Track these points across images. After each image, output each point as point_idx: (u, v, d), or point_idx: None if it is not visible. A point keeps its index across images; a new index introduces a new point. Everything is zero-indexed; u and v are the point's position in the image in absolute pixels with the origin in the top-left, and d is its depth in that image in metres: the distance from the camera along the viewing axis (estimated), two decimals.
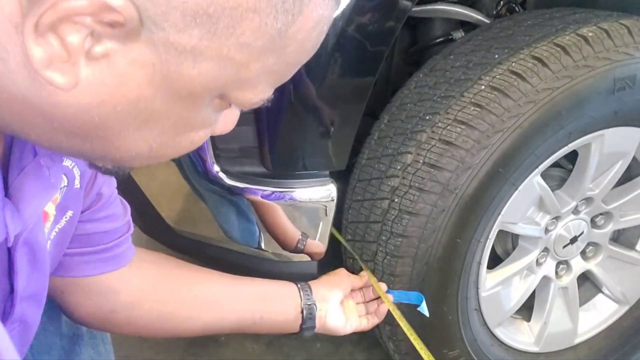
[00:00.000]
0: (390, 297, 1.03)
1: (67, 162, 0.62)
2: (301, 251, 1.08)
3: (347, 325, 0.99)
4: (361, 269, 1.08)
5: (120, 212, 0.78)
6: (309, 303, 0.95)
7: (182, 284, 0.87)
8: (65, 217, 0.65)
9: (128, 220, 0.80)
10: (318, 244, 1.08)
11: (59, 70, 0.37)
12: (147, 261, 0.85)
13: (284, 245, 1.08)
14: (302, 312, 0.94)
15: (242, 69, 0.42)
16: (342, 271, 1.05)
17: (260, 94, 0.45)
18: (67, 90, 0.38)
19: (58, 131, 0.43)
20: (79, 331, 0.84)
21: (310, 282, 0.99)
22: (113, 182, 0.76)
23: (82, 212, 0.70)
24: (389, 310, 1.03)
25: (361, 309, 1.04)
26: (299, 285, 0.97)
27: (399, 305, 1.03)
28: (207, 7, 0.37)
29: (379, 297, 1.04)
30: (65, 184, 0.63)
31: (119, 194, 0.79)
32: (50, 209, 0.62)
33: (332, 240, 1.11)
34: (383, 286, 1.04)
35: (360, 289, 1.06)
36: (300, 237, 1.06)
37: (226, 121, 0.51)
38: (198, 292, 0.88)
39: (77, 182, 0.65)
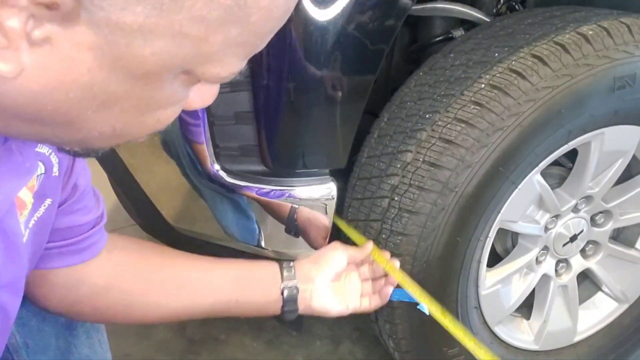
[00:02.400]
0: (397, 262, 0.97)
1: (44, 149, 0.60)
2: (295, 221, 1.04)
3: (342, 305, 0.93)
4: None
5: (92, 204, 0.76)
6: (290, 285, 0.89)
7: (151, 270, 0.84)
8: (44, 205, 0.63)
9: (102, 212, 0.77)
10: (317, 243, 1.07)
11: (0, 58, 0.35)
12: (117, 248, 0.82)
13: (280, 245, 1.07)
14: (282, 293, 0.89)
15: (202, 43, 0.39)
16: (336, 244, 0.97)
17: (229, 68, 0.42)
18: (12, 79, 0.37)
19: (14, 119, 0.41)
20: (75, 331, 0.84)
21: (297, 261, 0.93)
22: (88, 174, 0.74)
23: (61, 204, 0.69)
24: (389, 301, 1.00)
25: (367, 287, 0.98)
26: (282, 265, 0.91)
27: (399, 305, 1.03)
28: None
29: (386, 275, 0.98)
30: (43, 172, 0.61)
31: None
32: (27, 196, 0.60)
33: (332, 238, 1.11)
34: (388, 256, 0.97)
35: (370, 264, 0.99)
36: (292, 206, 1.03)
37: (203, 95, 0.48)
38: (168, 278, 0.84)
39: (55, 169, 0.63)
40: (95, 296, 0.79)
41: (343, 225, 1.09)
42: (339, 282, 0.95)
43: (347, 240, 1.11)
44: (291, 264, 0.92)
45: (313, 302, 0.92)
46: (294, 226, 1.06)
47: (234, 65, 0.42)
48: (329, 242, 1.09)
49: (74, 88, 0.39)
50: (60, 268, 0.74)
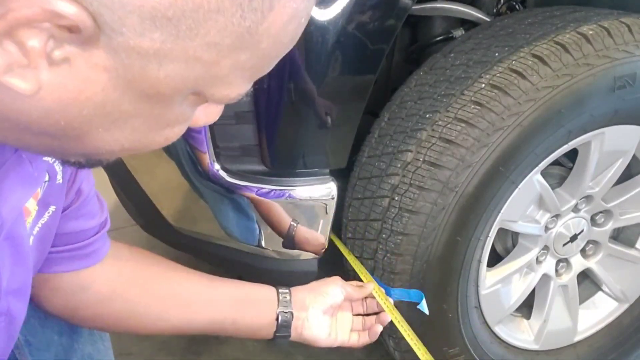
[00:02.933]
0: (391, 300, 0.99)
1: (47, 158, 0.61)
2: (293, 238, 1.06)
3: (332, 337, 0.94)
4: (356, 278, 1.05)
5: (96, 209, 0.77)
6: (285, 311, 0.90)
7: (155, 282, 0.85)
8: (48, 212, 0.64)
9: (105, 218, 0.78)
10: (317, 242, 1.07)
11: (19, 76, 0.37)
12: (122, 258, 0.83)
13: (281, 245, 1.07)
14: (277, 319, 0.90)
15: (213, 67, 0.40)
16: (336, 280, 0.98)
17: (237, 89, 0.44)
18: (29, 96, 0.38)
19: (25, 132, 0.43)
20: (77, 328, 0.84)
21: (294, 288, 0.94)
22: (91, 179, 0.75)
23: (65, 210, 0.70)
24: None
25: (358, 322, 0.99)
26: (278, 290, 0.92)
27: (398, 305, 1.03)
28: (165, 11, 0.36)
29: (378, 313, 0.99)
30: (47, 179, 0.62)
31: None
32: (32, 204, 0.61)
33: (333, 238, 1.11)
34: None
35: (365, 299, 1.00)
36: (292, 222, 1.04)
37: (208, 113, 0.49)
38: (170, 292, 0.86)
39: (59, 177, 0.64)
40: (99, 303, 0.80)
41: (348, 255, 1.09)
42: (331, 314, 0.96)
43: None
44: (287, 290, 0.93)
45: (304, 330, 0.92)
46: (291, 243, 1.07)
47: (241, 87, 0.44)
48: (330, 240, 1.10)
49: (88, 106, 0.40)
50: (64, 273, 0.75)
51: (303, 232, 1.05)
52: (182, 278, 0.88)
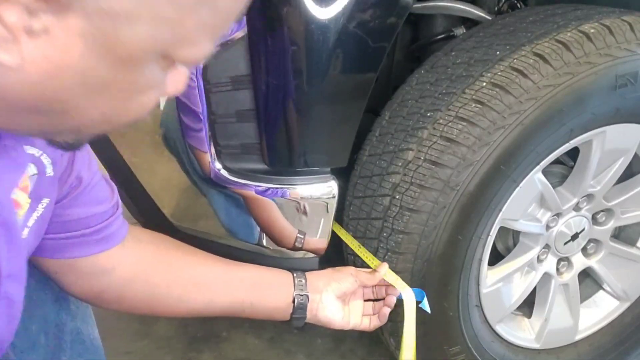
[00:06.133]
0: (397, 291, 1.01)
1: (33, 151, 0.64)
2: (300, 249, 1.08)
3: (345, 320, 0.99)
4: (364, 265, 1.07)
5: (106, 195, 0.79)
6: (301, 294, 0.95)
7: (176, 265, 0.88)
8: (42, 205, 0.66)
9: (116, 201, 0.81)
10: (318, 241, 1.08)
11: (4, 50, 0.39)
12: (143, 241, 0.86)
13: (283, 244, 1.07)
14: (293, 301, 0.95)
15: (178, 26, 0.44)
16: (349, 269, 1.03)
17: (202, 50, 0.48)
18: (15, 69, 0.41)
19: (14, 111, 0.45)
20: (64, 328, 0.85)
21: (309, 273, 0.98)
22: (93, 166, 0.77)
23: (64, 198, 0.72)
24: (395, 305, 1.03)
25: (368, 307, 1.03)
26: (294, 275, 0.97)
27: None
28: None
29: (384, 298, 1.02)
30: (36, 172, 0.64)
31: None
32: (22, 197, 0.63)
33: (334, 237, 1.11)
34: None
35: (374, 286, 1.04)
36: (298, 235, 1.06)
37: (176, 82, 0.53)
38: (191, 275, 0.89)
39: (49, 170, 0.66)
40: (121, 286, 0.83)
41: (355, 246, 1.10)
42: (345, 299, 1.00)
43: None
44: (303, 274, 0.98)
45: (319, 312, 0.97)
46: (297, 249, 1.08)
47: (205, 48, 0.48)
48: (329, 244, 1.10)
49: (69, 75, 0.43)
50: (83, 257, 0.78)
51: (308, 242, 1.07)
52: (201, 262, 0.91)
